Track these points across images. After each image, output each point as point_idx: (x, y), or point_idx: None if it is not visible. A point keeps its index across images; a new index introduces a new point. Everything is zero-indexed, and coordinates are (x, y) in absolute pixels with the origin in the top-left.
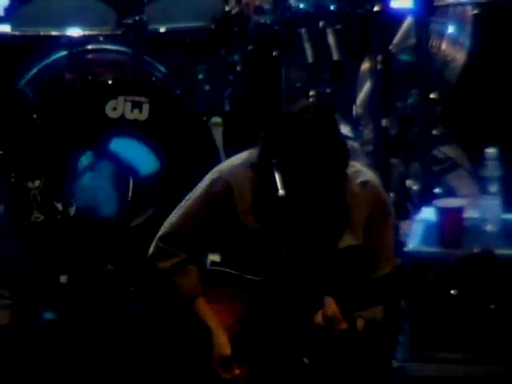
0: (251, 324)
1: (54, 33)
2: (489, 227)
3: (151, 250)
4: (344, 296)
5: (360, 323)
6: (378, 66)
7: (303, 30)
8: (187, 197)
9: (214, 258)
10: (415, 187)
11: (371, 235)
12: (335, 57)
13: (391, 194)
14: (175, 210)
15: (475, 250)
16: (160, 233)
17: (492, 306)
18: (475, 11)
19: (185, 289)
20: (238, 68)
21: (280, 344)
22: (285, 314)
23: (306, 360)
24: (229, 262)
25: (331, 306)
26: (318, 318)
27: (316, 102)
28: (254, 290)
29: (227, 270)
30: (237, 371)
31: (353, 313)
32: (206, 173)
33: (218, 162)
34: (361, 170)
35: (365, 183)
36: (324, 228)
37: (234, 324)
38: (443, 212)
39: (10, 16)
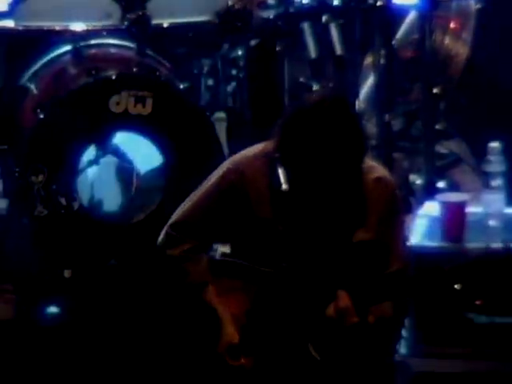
0: (260, 316)
1: (57, 27)
2: (492, 222)
3: (161, 237)
4: (356, 290)
5: (370, 318)
6: (381, 61)
7: (306, 25)
8: (200, 186)
9: (225, 249)
10: (418, 182)
11: (383, 231)
12: (338, 52)
13: None
14: (187, 199)
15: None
16: (171, 220)
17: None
18: (478, 6)
19: (195, 276)
20: (242, 63)
21: (289, 336)
22: (296, 306)
23: (316, 356)
24: (239, 253)
25: (344, 299)
26: (330, 310)
27: (332, 93)
28: (265, 281)
29: (237, 260)
30: (243, 360)
31: (364, 307)
32: (210, 167)
33: (222, 156)
34: (374, 166)
35: (379, 179)
36: (339, 221)
37: (241, 315)
38: (446, 206)
39: (13, 11)
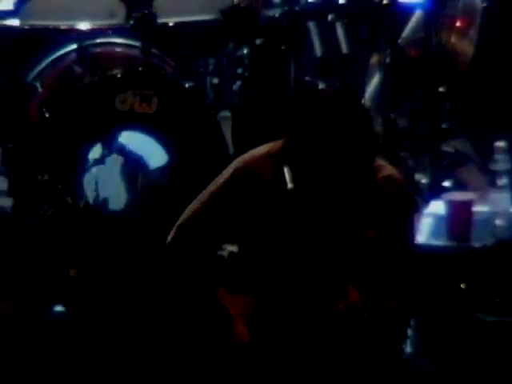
0: (268, 313)
1: (63, 26)
2: (498, 221)
3: (170, 237)
4: (365, 286)
5: (380, 313)
6: (387, 60)
7: (312, 24)
8: (208, 186)
9: (233, 248)
10: (424, 181)
11: (392, 229)
12: (344, 50)
13: None
14: (196, 199)
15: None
16: (180, 221)
17: (497, 300)
18: (484, 4)
19: (204, 276)
20: (247, 61)
21: (298, 332)
22: (305, 302)
23: (325, 351)
24: (248, 252)
25: (353, 295)
26: (340, 305)
27: (341, 90)
28: (273, 279)
29: (246, 259)
30: (254, 358)
31: (374, 303)
32: (215, 166)
33: (227, 155)
34: (383, 165)
35: (388, 178)
36: (348, 220)
37: (250, 313)
38: (452, 205)
39: (19, 10)
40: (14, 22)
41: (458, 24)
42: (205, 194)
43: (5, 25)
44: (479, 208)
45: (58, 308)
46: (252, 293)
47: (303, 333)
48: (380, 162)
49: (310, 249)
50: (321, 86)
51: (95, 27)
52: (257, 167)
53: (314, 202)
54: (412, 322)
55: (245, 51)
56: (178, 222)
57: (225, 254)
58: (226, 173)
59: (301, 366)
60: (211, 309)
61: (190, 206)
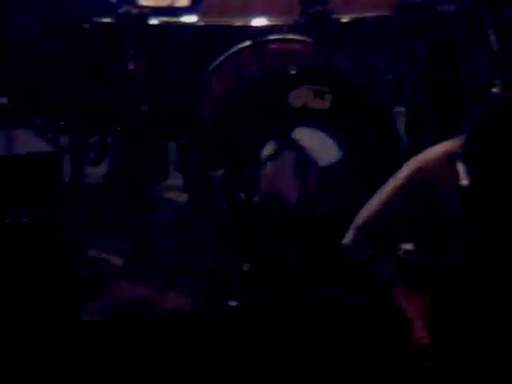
0: (449, 314)
1: (238, 23)
2: None
3: (348, 239)
4: None
5: None
6: None
7: (488, 19)
8: (386, 185)
9: (408, 246)
10: None
11: None
12: None
13: None
14: (373, 199)
15: None
16: (359, 222)
17: None
18: None
19: (383, 278)
20: (421, 57)
21: (480, 333)
22: (485, 303)
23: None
24: (424, 250)
25: None
26: None
27: None
28: (451, 278)
29: (422, 258)
30: (434, 361)
31: None
32: (389, 162)
33: (401, 152)
34: None
35: None
36: None
37: (429, 314)
38: None
39: (196, 6)
40: (191, 19)
41: None
42: (382, 195)
43: (181, 22)
44: None
45: (233, 303)
46: (430, 292)
47: (485, 333)
48: None
49: (489, 247)
50: (496, 81)
51: (270, 24)
52: (435, 167)
53: (491, 199)
54: None
55: (419, 47)
56: (357, 224)
57: (400, 253)
58: (404, 173)
59: (484, 368)
60: (390, 312)
61: (367, 206)
